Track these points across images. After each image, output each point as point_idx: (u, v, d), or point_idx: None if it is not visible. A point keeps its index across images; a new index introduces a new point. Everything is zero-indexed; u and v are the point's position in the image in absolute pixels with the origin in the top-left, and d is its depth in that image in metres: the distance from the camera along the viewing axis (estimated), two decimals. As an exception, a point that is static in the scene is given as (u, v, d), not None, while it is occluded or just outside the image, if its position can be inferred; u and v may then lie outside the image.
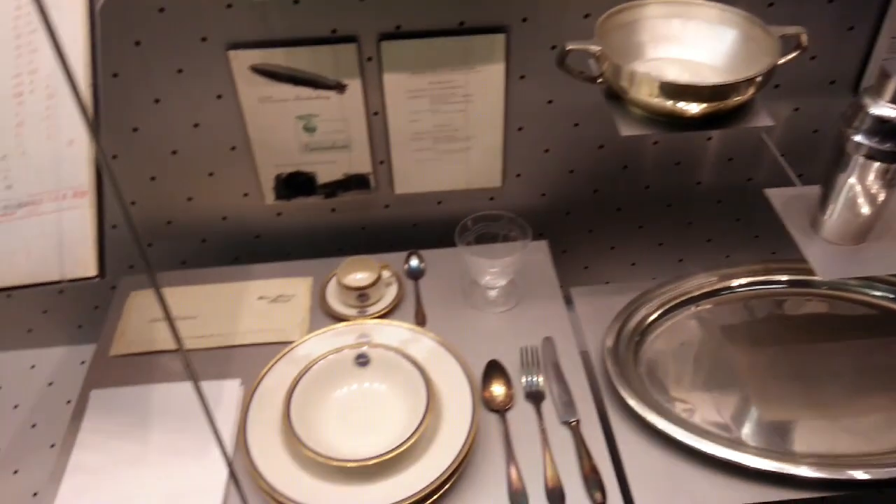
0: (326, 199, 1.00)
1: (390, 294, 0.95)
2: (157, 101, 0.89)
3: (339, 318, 0.92)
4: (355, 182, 0.98)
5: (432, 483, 0.71)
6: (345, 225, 1.04)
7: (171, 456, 0.78)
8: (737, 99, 0.73)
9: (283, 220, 1.03)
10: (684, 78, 0.77)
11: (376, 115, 0.93)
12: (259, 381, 0.81)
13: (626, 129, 0.75)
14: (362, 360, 0.82)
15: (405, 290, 0.96)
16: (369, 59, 0.88)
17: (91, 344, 1.12)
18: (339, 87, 0.89)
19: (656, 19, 0.81)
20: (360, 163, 0.97)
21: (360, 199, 1.01)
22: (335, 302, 0.94)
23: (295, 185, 0.98)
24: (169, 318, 0.45)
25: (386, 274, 0.96)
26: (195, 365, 0.88)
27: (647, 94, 0.73)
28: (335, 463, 0.71)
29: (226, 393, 0.84)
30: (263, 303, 0.95)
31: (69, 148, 0.60)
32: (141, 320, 0.93)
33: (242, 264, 1.01)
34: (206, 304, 0.95)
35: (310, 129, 0.92)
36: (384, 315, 0.92)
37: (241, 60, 0.86)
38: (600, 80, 0.77)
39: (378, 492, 0.71)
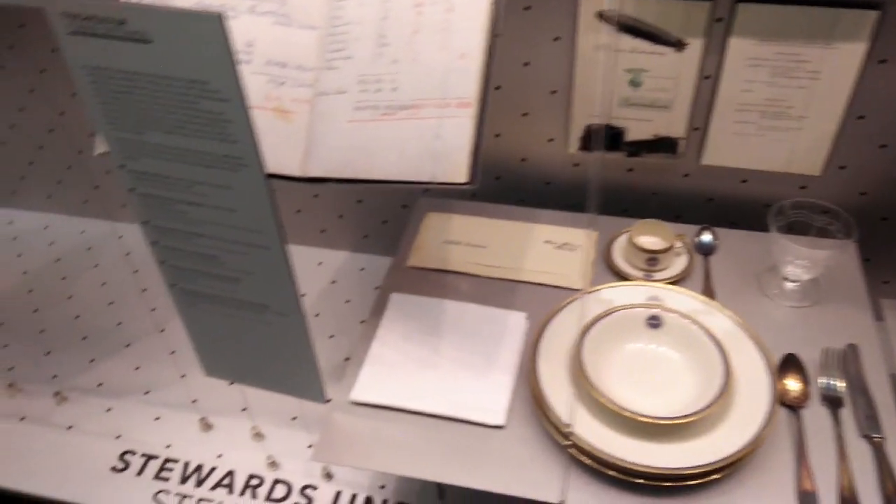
0: (628, 158, 0.99)
1: (679, 264, 0.93)
2: (497, 35, 0.92)
3: (622, 277, 0.92)
4: (663, 145, 0.96)
5: (721, 460, 0.69)
6: (637, 186, 1.03)
7: (458, 368, 0.82)
8: None
9: (578, 170, 1.04)
10: None
11: (707, 79, 0.90)
12: (551, 316, 0.83)
13: None
14: (654, 322, 0.81)
15: (694, 263, 0.94)
16: (719, 19, 0.84)
17: (371, 254, 1.23)
18: (679, 45, 0.87)
19: None
20: (674, 126, 0.94)
21: (662, 163, 0.99)
22: (621, 260, 0.94)
23: (601, 138, 0.98)
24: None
25: (678, 243, 0.93)
26: (480, 290, 0.93)
27: None
28: (626, 413, 0.71)
29: (511, 323, 0.87)
30: (549, 247, 0.97)
31: (459, 61, 0.64)
32: (436, 239, 0.99)
33: (527, 206, 1.04)
34: (495, 237, 0.99)
35: (635, 84, 0.91)
36: (670, 284, 0.90)
37: (589, 5, 0.86)
38: None
39: (661, 452, 0.71)
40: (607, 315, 0.81)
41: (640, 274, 0.92)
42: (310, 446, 0.96)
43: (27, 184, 1.30)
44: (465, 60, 0.64)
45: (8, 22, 1.11)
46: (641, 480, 0.70)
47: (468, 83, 0.63)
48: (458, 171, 0.63)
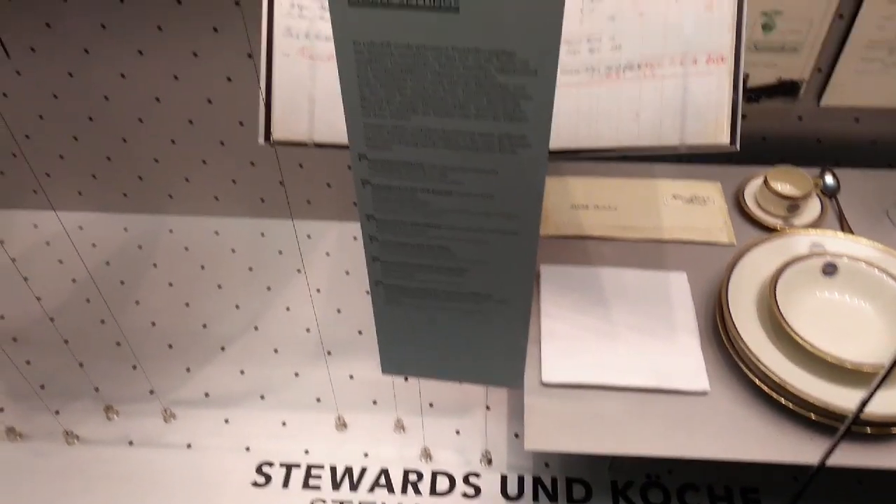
0: (747, 104, 0.97)
1: (815, 208, 0.93)
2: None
3: (760, 226, 0.91)
4: (784, 88, 0.95)
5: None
6: (749, 133, 1.01)
7: (642, 336, 0.79)
8: None
9: (688, 121, 1.01)
10: None
11: (841, 18, 0.88)
12: (730, 270, 0.81)
13: None
14: (830, 270, 0.81)
15: (827, 205, 0.94)
16: (864, -45, 0.83)
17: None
18: (820, -16, 0.85)
19: None
20: (799, 69, 0.93)
21: (777, 107, 0.97)
22: (757, 209, 0.93)
23: (718, 86, 0.95)
24: None
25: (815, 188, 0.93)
26: (626, 254, 0.90)
27: None
28: (848, 364, 0.71)
29: (674, 283, 0.84)
30: (679, 202, 0.95)
31: (707, 12, 0.59)
32: (562, 205, 0.95)
33: (633, 162, 1.00)
34: (622, 197, 0.95)
35: (768, 28, 0.89)
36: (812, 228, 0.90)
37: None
38: None
39: (874, 400, 0.71)
40: (787, 267, 0.80)
41: (779, 222, 0.91)
42: (457, 432, 0.92)
43: (53, 181, 1.16)
44: (713, 11, 0.59)
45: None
46: (868, 429, 0.70)
47: (720, 35, 0.59)
48: (718, 131, 0.59)
